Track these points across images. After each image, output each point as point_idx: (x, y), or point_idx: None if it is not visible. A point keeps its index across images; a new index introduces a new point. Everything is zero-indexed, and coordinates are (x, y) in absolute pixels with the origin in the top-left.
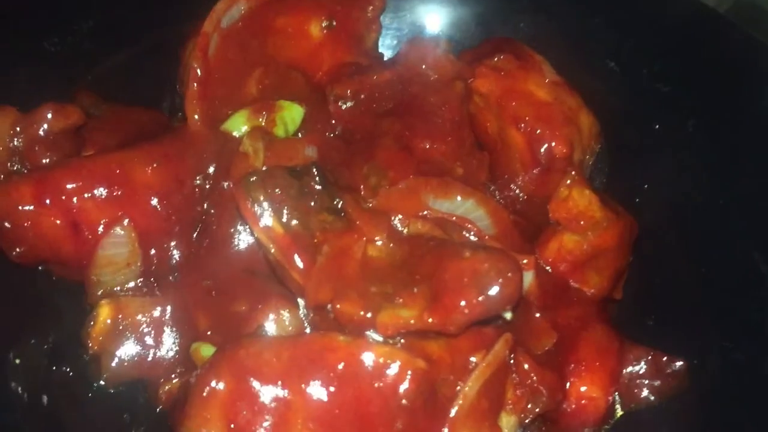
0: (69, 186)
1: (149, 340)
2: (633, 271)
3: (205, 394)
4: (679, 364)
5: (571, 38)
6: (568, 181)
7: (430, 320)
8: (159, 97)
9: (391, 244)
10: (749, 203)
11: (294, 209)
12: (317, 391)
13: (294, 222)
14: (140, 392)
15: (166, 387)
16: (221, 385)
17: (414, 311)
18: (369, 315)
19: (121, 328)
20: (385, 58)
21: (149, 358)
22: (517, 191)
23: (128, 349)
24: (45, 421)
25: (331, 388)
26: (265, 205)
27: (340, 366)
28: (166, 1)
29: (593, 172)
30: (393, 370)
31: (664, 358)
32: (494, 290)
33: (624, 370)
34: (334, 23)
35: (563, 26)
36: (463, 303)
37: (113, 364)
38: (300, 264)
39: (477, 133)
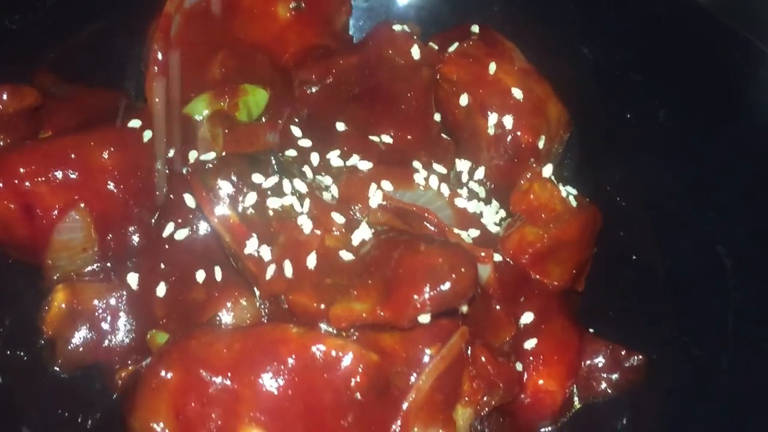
0: (23, 169)
1: (105, 326)
2: (596, 262)
3: (154, 384)
4: (637, 358)
5: (545, 24)
6: (529, 174)
7: (383, 314)
8: (123, 76)
9: (348, 235)
10: (716, 196)
11: (250, 197)
12: (268, 383)
13: (250, 211)
14: (96, 378)
15: (122, 373)
16: (170, 376)
17: (367, 304)
18: (323, 307)
19: (76, 313)
20: (355, 41)
21: (105, 344)
22: (483, 179)
23: (83, 335)
24: None
25: (282, 381)
26: (221, 193)
27: (292, 358)
28: None
29: (563, 161)
30: (345, 362)
31: (623, 352)
32: (446, 285)
33: (583, 363)
34: (303, 4)
35: (537, 12)
36: (415, 297)
37: (68, 349)
38: (254, 253)
39: (444, 119)
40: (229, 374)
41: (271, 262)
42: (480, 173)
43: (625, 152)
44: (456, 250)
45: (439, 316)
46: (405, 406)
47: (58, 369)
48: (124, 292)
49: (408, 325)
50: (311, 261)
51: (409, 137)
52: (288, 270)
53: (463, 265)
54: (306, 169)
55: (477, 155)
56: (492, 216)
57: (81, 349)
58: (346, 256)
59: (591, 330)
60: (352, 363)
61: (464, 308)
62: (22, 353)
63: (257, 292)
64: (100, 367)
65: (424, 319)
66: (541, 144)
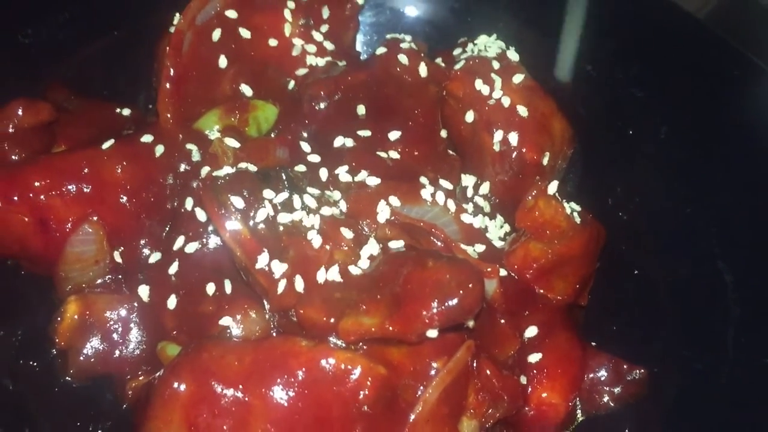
0: (37, 183)
1: (116, 337)
2: (600, 276)
3: (166, 395)
4: (639, 371)
5: (549, 40)
6: (534, 191)
7: (391, 328)
8: (135, 89)
9: (357, 250)
10: (717, 212)
11: (261, 213)
12: (278, 395)
13: (261, 226)
14: (107, 388)
15: (133, 384)
16: (182, 387)
17: (376, 319)
18: (332, 321)
19: (88, 324)
20: (363, 56)
21: (116, 355)
22: (488, 194)
23: (95, 345)
24: (11, 415)
25: (292, 393)
26: (232, 208)
27: (302, 371)
28: None
29: (566, 176)
30: (354, 375)
31: (625, 366)
32: (454, 301)
33: (586, 377)
34: (312, 21)
35: (542, 28)
36: (423, 313)
37: (80, 360)
38: (265, 268)
39: (450, 135)
40: (241, 386)
41: (282, 276)
42: (485, 188)
43: (628, 168)
44: (463, 266)
45: (446, 330)
46: (412, 418)
47: (69, 379)
48: (136, 304)
49: (416, 340)
50: (321, 276)
51: (416, 153)
52: (299, 284)
53: (470, 281)
54: (315, 184)
55: (482, 171)
56: (497, 231)
57: (93, 359)
58: (354, 270)
59: (594, 343)
60: (360, 376)
61: (470, 323)
62: (34, 363)
63: (267, 305)
64: (111, 377)
65: (432, 334)
66: (545, 160)
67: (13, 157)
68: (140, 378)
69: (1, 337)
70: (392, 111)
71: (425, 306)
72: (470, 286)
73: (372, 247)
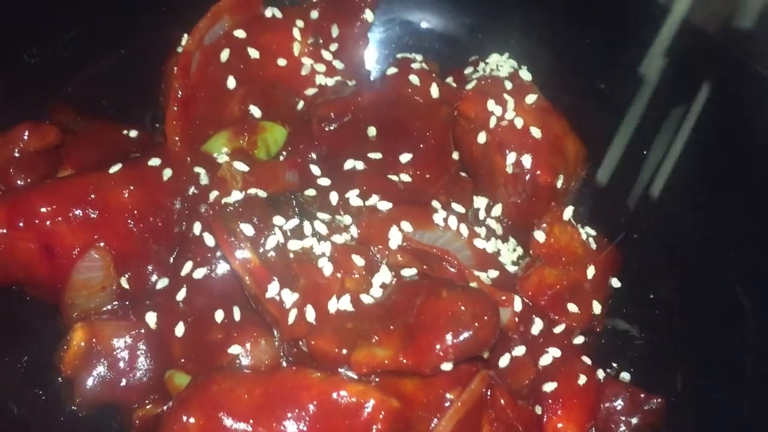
0: (43, 209)
1: (123, 365)
2: (615, 301)
3: (175, 429)
4: (656, 401)
5: (562, 58)
6: (549, 219)
7: (405, 361)
8: (142, 109)
9: (369, 278)
10: (733, 236)
11: (271, 240)
12: (289, 428)
13: (271, 253)
14: (114, 417)
15: (140, 413)
16: (192, 420)
17: (389, 351)
18: (344, 352)
19: (95, 352)
20: (373, 75)
21: (123, 383)
22: (501, 216)
23: (101, 374)
24: None
25: (303, 427)
26: (242, 236)
27: (313, 404)
28: (150, 10)
29: (579, 198)
30: (367, 409)
31: (642, 395)
32: (469, 333)
33: (602, 406)
34: (321, 40)
35: (554, 46)
36: (438, 346)
37: (86, 388)
38: (276, 297)
39: (462, 156)
40: (251, 420)
41: (292, 306)
42: (497, 210)
43: (642, 189)
44: (478, 296)
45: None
46: None
47: (75, 408)
48: (143, 331)
49: (430, 373)
50: (332, 305)
51: (428, 176)
52: (310, 314)
53: (485, 312)
54: (325, 208)
55: (494, 193)
56: (509, 254)
57: (99, 388)
58: (367, 299)
59: (609, 371)
60: (373, 409)
61: (485, 354)
62: (39, 391)
63: (276, 334)
64: (117, 406)
65: (447, 367)
66: (559, 183)
67: (19, 182)
68: (147, 407)
69: (6, 364)
70: (403, 133)
71: (439, 338)
72: (486, 318)
73: (384, 275)
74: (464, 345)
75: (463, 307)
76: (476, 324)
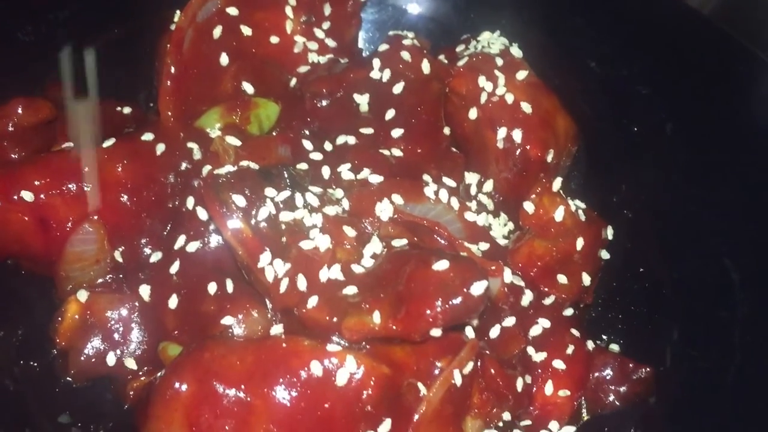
0: (37, 182)
1: (117, 337)
2: (605, 274)
3: (167, 396)
4: (645, 370)
5: (553, 37)
6: (539, 189)
7: (395, 328)
8: (135, 87)
9: (360, 249)
10: (723, 209)
11: (263, 211)
12: (280, 395)
13: (263, 224)
14: (108, 389)
15: (134, 384)
16: (184, 388)
17: (379, 318)
18: (335, 320)
19: (89, 324)
20: (365, 54)
21: (117, 355)
22: (492, 192)
23: (96, 345)
24: (12, 416)
25: (294, 393)
26: (234, 206)
27: (304, 371)
28: None
29: (570, 174)
30: (357, 375)
31: (631, 365)
32: (458, 300)
33: (591, 375)
34: (313, 18)
35: (545, 25)
36: (427, 312)
37: (81, 360)
38: (267, 267)
39: (453, 132)
40: (243, 386)
41: (284, 275)
42: (488, 186)
43: (633, 164)
44: (467, 264)
45: (450, 329)
46: (416, 418)
47: (70, 379)
48: (137, 304)
49: (419, 339)
50: (323, 274)
51: (419, 151)
52: (301, 283)
53: (474, 279)
54: (317, 182)
55: (485, 168)
56: (500, 229)
57: (93, 359)
58: (357, 269)
59: (599, 342)
60: (363, 376)
61: (474, 322)
62: (34, 363)
63: (269, 304)
64: (112, 377)
65: (436, 332)
66: (549, 158)
67: (13, 155)
68: (141, 378)
69: (1, 337)
70: (395, 108)
71: (429, 305)
72: (474, 284)
73: (375, 246)
74: (453, 311)
75: (452, 274)
76: (465, 290)
